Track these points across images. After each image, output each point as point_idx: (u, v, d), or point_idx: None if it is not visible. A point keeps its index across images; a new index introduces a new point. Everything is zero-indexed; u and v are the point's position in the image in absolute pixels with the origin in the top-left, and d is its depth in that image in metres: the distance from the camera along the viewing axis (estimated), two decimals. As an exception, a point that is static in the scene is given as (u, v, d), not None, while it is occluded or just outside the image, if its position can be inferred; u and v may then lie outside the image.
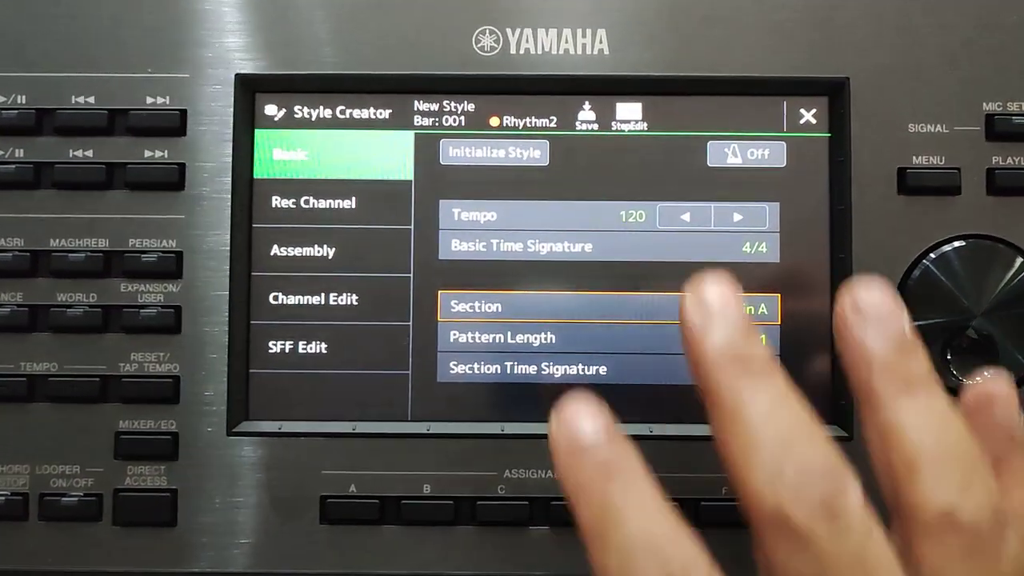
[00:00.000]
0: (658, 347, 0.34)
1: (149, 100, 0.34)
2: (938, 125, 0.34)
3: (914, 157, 0.34)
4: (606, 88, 0.34)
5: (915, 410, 0.25)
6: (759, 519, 0.23)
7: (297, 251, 0.34)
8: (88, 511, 0.33)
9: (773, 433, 0.24)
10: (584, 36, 0.34)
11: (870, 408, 0.26)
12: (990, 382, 0.28)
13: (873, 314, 0.26)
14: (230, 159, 0.34)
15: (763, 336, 0.26)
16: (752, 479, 0.23)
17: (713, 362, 0.25)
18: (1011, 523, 0.24)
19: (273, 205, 0.34)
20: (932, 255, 0.33)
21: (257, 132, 0.35)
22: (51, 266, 0.34)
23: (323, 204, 0.34)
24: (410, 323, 0.34)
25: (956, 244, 0.33)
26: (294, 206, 0.35)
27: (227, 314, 0.34)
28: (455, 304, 0.34)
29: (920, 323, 0.33)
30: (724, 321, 0.25)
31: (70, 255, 0.34)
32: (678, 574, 0.23)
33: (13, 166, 0.34)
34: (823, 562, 0.22)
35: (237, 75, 0.34)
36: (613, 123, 0.35)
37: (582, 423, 0.25)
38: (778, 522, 0.23)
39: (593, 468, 0.24)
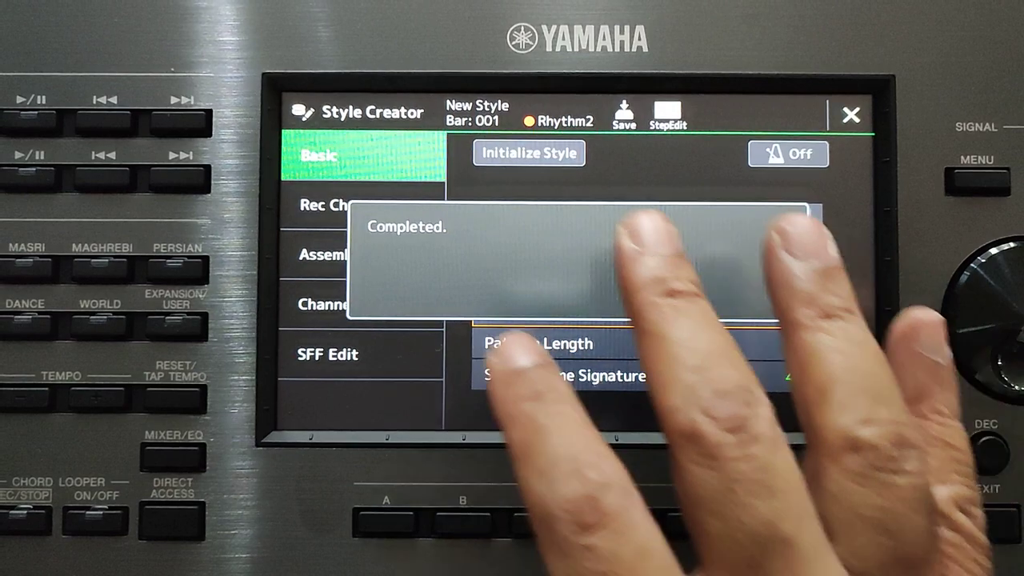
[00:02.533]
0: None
1: (173, 100, 0.33)
2: (987, 123, 0.33)
3: (962, 157, 0.33)
4: (644, 86, 0.33)
5: (831, 337, 0.26)
6: (674, 435, 0.24)
7: (326, 255, 0.33)
8: (113, 525, 0.32)
9: (692, 355, 0.25)
10: (622, 33, 0.33)
11: (790, 335, 0.26)
12: (919, 311, 0.29)
13: (799, 243, 0.27)
14: (257, 161, 0.33)
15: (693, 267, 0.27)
16: (670, 398, 0.24)
17: (642, 287, 0.26)
18: (916, 450, 0.24)
19: (301, 208, 0.33)
20: (981, 258, 0.33)
21: (284, 133, 0.34)
22: (73, 272, 0.33)
23: (353, 207, 0.33)
24: (443, 329, 0.33)
25: (1005, 247, 0.33)
26: (323, 209, 0.33)
27: (255, 321, 0.33)
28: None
29: (968, 329, 0.32)
30: (656, 250, 0.27)
31: (93, 260, 0.32)
32: (596, 490, 0.23)
33: (34, 169, 0.33)
34: (729, 474, 0.23)
35: (264, 74, 0.33)
36: (651, 122, 0.34)
37: (518, 355, 0.26)
38: (690, 437, 0.24)
39: (524, 393, 0.25)
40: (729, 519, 0.23)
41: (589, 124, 0.34)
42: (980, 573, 0.26)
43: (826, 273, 0.27)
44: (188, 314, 0.33)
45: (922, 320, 0.28)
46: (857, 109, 0.34)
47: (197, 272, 0.33)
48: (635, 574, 0.23)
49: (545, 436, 0.24)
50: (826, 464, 0.25)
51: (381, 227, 0.33)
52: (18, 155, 0.33)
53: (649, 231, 0.27)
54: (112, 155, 0.33)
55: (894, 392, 0.25)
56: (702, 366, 0.24)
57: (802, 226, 0.27)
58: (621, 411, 0.33)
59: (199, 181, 0.33)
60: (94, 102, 0.33)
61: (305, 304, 0.33)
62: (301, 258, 0.33)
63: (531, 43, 0.33)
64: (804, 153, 0.34)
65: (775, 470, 0.23)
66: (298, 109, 0.34)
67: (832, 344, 0.26)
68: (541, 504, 0.24)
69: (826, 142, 0.34)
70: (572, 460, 0.24)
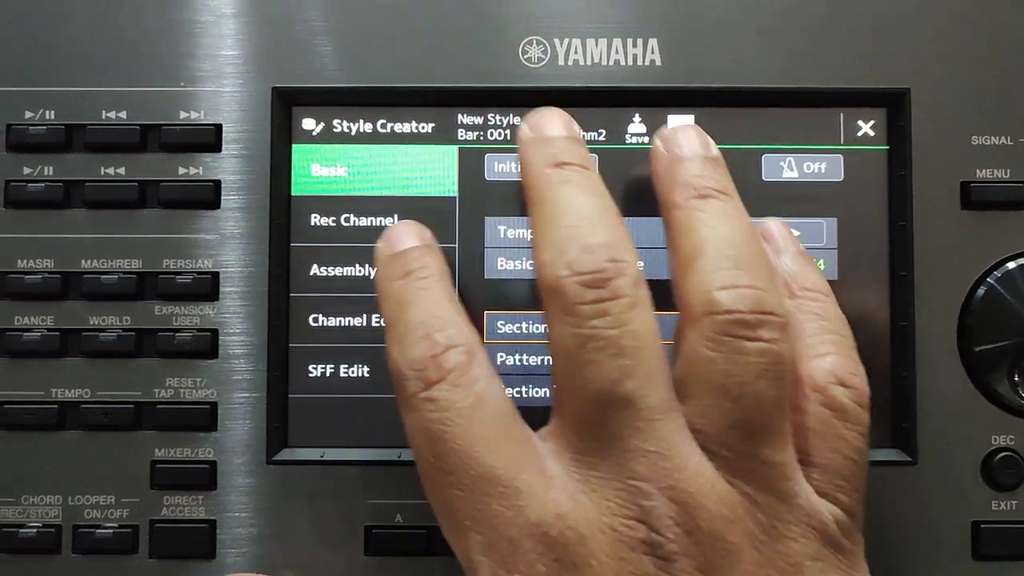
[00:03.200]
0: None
1: (182, 115, 0.33)
2: (1002, 137, 0.33)
3: (978, 170, 0.33)
4: (657, 100, 0.33)
5: (703, 213, 0.26)
6: (543, 291, 0.25)
7: (337, 271, 0.33)
8: (123, 543, 0.32)
9: (568, 216, 0.26)
10: (635, 46, 0.33)
11: (667, 219, 0.27)
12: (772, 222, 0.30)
13: (680, 142, 0.28)
14: (267, 176, 0.33)
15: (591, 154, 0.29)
16: (542, 253, 0.25)
17: (535, 163, 0.27)
18: (775, 317, 0.25)
19: (312, 223, 0.33)
20: (997, 273, 0.32)
21: (295, 147, 0.33)
22: (83, 288, 0.32)
23: (364, 222, 0.33)
24: (455, 345, 0.33)
25: (1022, 261, 0.32)
26: (334, 224, 0.33)
27: (265, 337, 0.32)
28: (502, 325, 0.33)
29: (985, 346, 0.32)
30: (552, 134, 0.28)
31: (102, 277, 0.32)
32: (440, 351, 0.25)
33: (43, 184, 0.32)
34: (583, 330, 0.24)
35: (274, 88, 0.33)
36: (664, 136, 0.33)
37: (402, 239, 0.28)
38: (554, 291, 0.24)
39: (397, 272, 0.27)
40: (576, 376, 0.24)
41: (602, 138, 0.33)
42: (845, 450, 0.26)
43: (705, 161, 0.28)
44: (198, 331, 0.32)
45: (771, 226, 0.30)
46: (872, 122, 0.33)
47: (207, 288, 0.32)
48: (470, 421, 0.24)
49: (406, 308, 0.26)
50: (685, 329, 0.25)
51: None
52: (27, 171, 0.33)
53: (547, 120, 0.28)
54: (121, 170, 0.33)
55: (761, 262, 0.26)
56: (574, 225, 0.25)
57: (683, 130, 0.29)
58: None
59: (209, 196, 0.33)
60: (103, 117, 0.33)
61: (316, 320, 0.33)
62: (312, 273, 0.33)
63: (543, 57, 0.33)
64: (818, 167, 0.33)
65: (628, 329, 0.24)
66: (308, 123, 0.33)
67: (702, 218, 0.26)
68: (396, 367, 0.25)
69: (840, 156, 0.33)
70: (424, 327, 0.25)
